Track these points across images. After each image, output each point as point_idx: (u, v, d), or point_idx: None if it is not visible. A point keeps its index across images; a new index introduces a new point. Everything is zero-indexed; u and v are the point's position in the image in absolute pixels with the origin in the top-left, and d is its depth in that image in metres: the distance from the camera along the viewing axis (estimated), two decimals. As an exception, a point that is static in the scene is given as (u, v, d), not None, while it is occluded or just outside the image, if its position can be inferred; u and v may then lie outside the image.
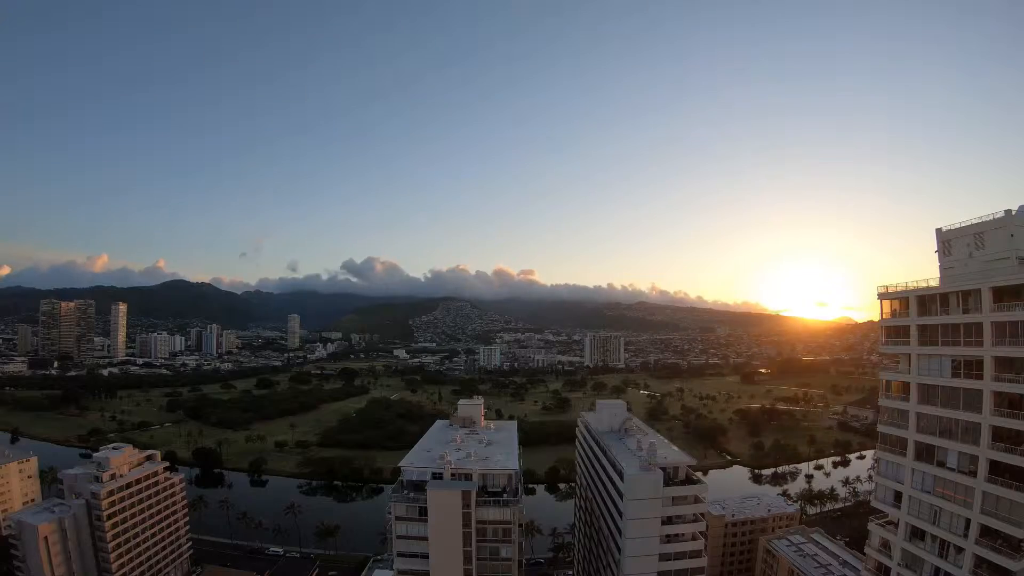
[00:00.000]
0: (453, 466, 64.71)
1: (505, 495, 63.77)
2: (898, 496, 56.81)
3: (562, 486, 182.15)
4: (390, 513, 63.66)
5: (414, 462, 67.78)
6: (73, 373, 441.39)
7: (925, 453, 54.01)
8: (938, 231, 57.11)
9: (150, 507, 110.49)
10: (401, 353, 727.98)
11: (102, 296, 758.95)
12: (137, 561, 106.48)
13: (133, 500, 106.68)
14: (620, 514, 64.29)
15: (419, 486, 63.24)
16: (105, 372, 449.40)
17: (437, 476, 63.90)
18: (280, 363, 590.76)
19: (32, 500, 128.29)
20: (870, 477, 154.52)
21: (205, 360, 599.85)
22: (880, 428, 59.98)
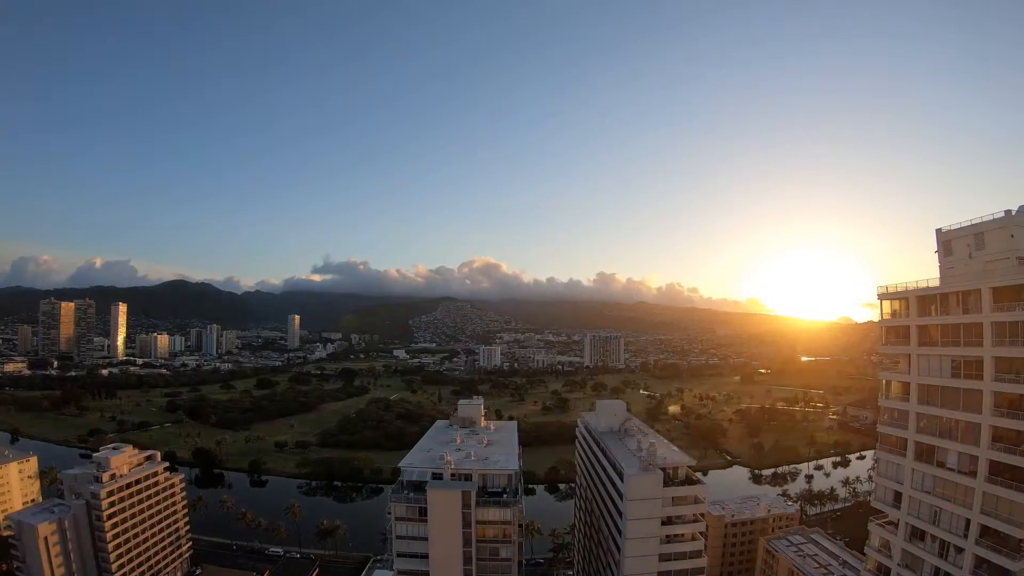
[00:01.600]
0: (453, 466, 64.66)
1: (505, 495, 63.71)
2: (898, 496, 56.85)
3: (562, 486, 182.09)
4: (390, 513, 63.60)
5: (414, 462, 67.75)
6: (73, 373, 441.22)
7: (925, 453, 54.05)
8: (938, 231, 57.14)
9: (150, 507, 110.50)
10: (401, 353, 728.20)
11: (102, 296, 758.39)
12: (137, 561, 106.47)
13: (133, 500, 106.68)
14: (620, 514, 64.29)
15: (419, 486, 63.19)
16: (105, 372, 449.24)
17: (437, 476, 63.85)
18: (280, 363, 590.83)
19: (32, 500, 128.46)
20: (870, 477, 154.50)
21: (205, 360, 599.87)
22: (880, 428, 60.01)
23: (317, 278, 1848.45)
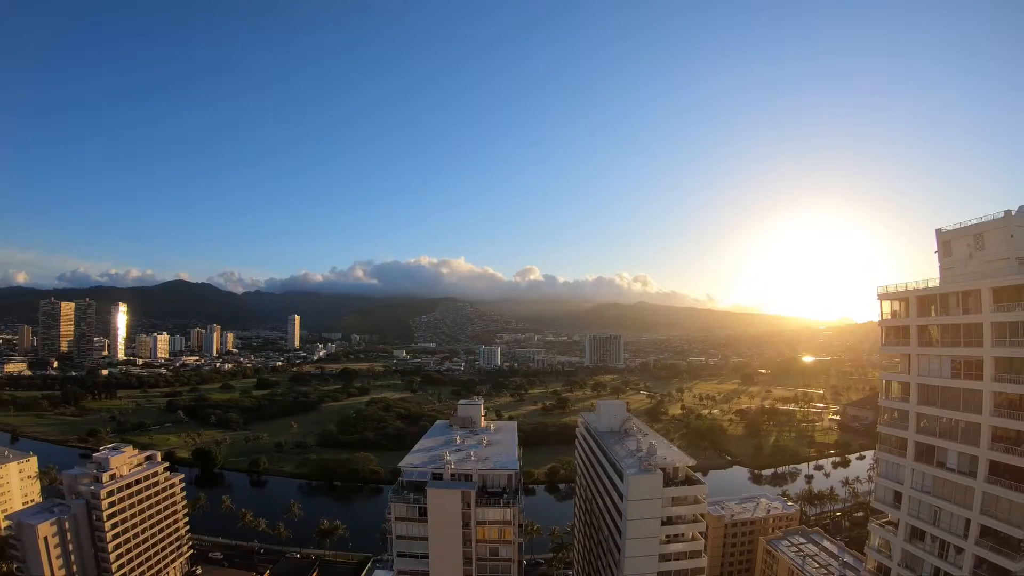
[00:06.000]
0: (453, 466, 64.65)
1: (505, 495, 63.66)
2: (898, 496, 56.83)
3: (562, 486, 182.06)
4: (390, 514, 63.58)
5: (414, 463, 67.66)
6: (73, 373, 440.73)
7: (925, 453, 54.02)
8: (938, 231, 57.05)
9: (150, 507, 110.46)
10: (401, 353, 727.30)
11: (102, 296, 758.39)
12: (137, 561, 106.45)
13: (133, 500, 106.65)
14: (620, 514, 64.24)
15: (419, 486, 63.15)
16: (105, 372, 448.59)
17: (437, 476, 63.80)
18: (280, 364, 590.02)
19: (32, 500, 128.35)
20: (870, 478, 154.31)
21: (205, 360, 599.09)
22: (880, 429, 59.97)
23: (319, 278, 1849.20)
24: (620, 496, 64.29)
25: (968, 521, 48.35)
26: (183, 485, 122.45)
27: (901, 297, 57.26)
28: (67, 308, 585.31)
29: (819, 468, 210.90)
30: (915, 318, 55.26)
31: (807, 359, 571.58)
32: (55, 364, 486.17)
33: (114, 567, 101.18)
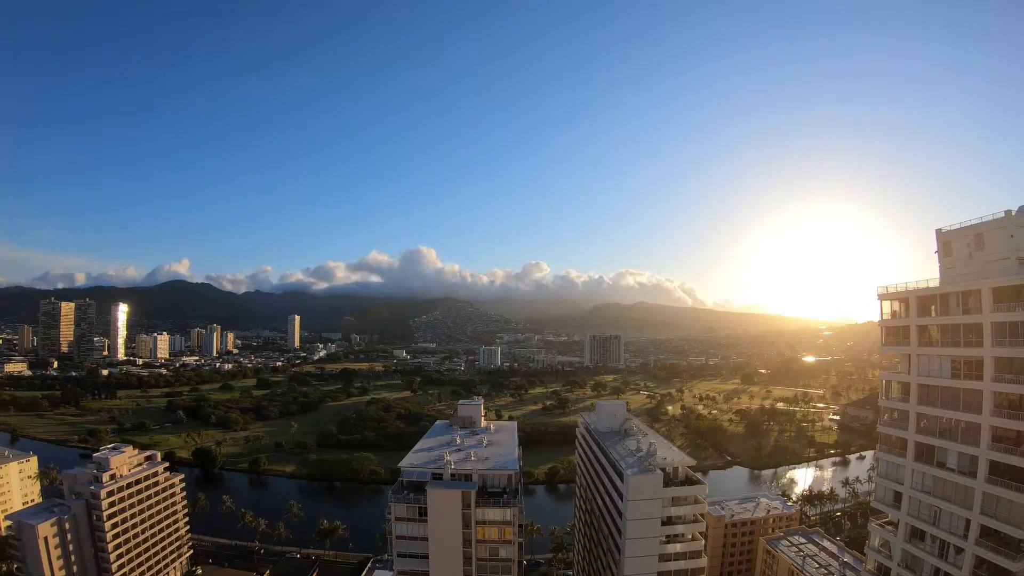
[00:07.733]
0: (453, 467, 64.62)
1: (505, 495, 63.61)
2: (898, 496, 56.82)
3: (561, 486, 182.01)
4: (390, 514, 63.56)
5: (414, 463, 67.61)
6: (73, 373, 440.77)
7: (925, 454, 54.00)
8: (938, 231, 57.03)
9: (150, 507, 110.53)
10: (401, 354, 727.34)
11: (102, 296, 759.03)
12: (137, 561, 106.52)
13: (133, 500, 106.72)
14: (620, 515, 64.25)
15: (419, 487, 63.16)
16: (105, 372, 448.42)
17: (437, 477, 63.78)
18: (280, 364, 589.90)
19: (32, 500, 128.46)
20: (870, 478, 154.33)
21: (205, 361, 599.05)
22: (880, 429, 59.94)
23: (319, 279, 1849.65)
24: (620, 496, 64.29)
25: (968, 521, 48.36)
26: (183, 485, 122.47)
27: (901, 297, 57.24)
28: (67, 308, 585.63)
29: (819, 468, 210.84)
30: (915, 318, 55.23)
31: (807, 359, 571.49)
32: (55, 364, 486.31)
33: (114, 567, 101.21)
